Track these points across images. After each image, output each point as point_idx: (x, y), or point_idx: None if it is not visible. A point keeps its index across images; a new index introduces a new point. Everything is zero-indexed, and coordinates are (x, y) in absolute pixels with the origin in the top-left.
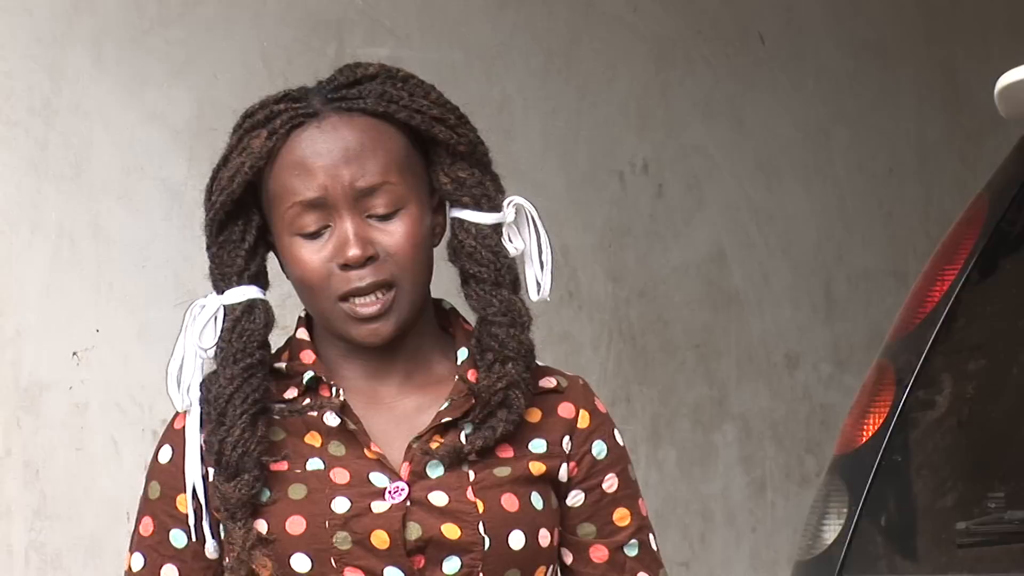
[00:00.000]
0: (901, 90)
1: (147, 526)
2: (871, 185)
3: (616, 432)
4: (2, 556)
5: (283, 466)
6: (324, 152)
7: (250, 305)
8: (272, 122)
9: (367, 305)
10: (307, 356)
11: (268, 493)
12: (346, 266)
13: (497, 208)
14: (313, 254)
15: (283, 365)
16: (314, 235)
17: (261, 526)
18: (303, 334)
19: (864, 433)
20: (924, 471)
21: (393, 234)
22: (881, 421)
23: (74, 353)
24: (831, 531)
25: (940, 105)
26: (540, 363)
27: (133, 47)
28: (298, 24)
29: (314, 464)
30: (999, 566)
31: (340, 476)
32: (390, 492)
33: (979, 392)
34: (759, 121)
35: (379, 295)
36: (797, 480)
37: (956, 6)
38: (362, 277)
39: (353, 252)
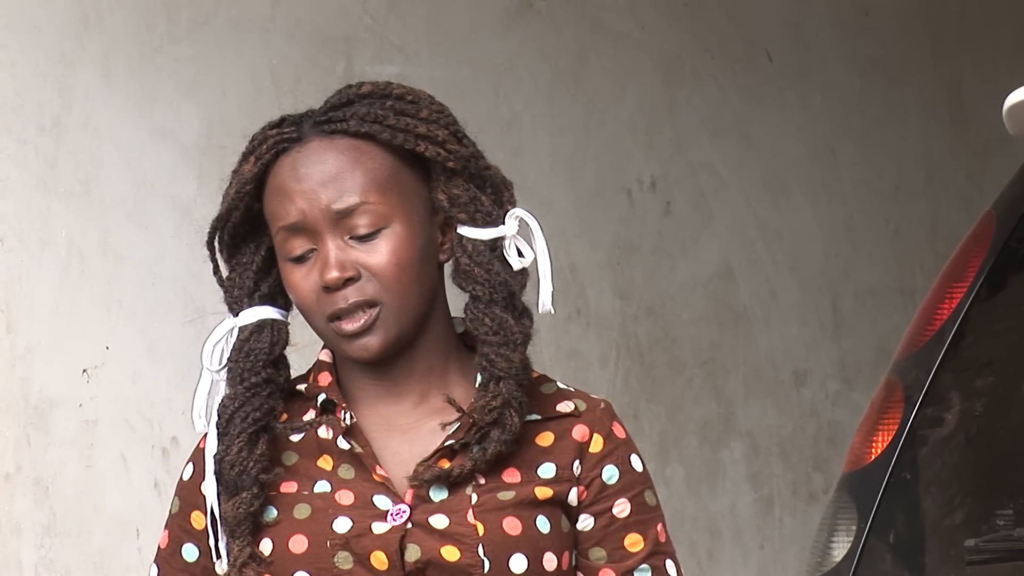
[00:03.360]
0: (908, 107)
1: (164, 539)
2: (878, 202)
3: (634, 457)
4: (12, 573)
5: (292, 487)
6: (302, 176)
7: (259, 325)
8: (259, 148)
9: (351, 322)
10: (324, 378)
11: (275, 513)
12: (327, 288)
13: (494, 223)
14: (302, 279)
15: (303, 387)
16: (301, 259)
17: (266, 545)
18: (325, 355)
19: (873, 450)
20: (933, 488)
21: (375, 253)
22: (890, 438)
23: (84, 370)
24: (840, 548)
25: (947, 122)
26: (563, 385)
27: (142, 65)
28: (307, 42)
29: (321, 486)
30: None
31: (345, 498)
32: (392, 514)
33: (988, 409)
34: (766, 138)
35: (363, 311)
36: (805, 497)
37: (963, 24)
38: (345, 298)
39: (330, 275)
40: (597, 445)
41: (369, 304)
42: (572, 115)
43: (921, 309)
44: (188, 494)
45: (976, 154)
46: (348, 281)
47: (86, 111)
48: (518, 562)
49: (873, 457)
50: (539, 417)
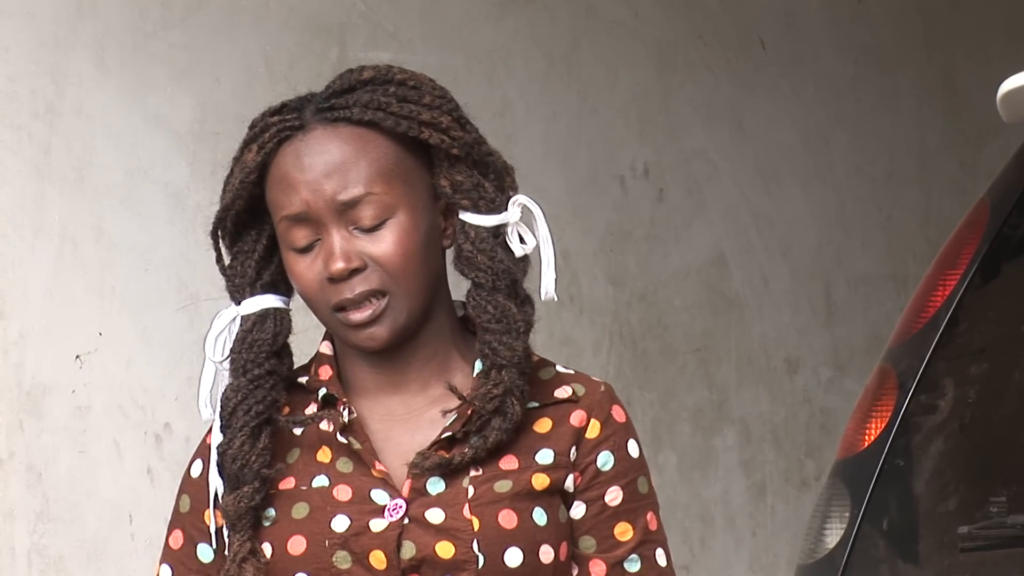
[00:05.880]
0: (901, 95)
1: (177, 539)
2: (871, 190)
3: (631, 443)
4: (5, 559)
5: (290, 483)
6: (307, 166)
7: (262, 315)
8: (262, 136)
9: (358, 312)
10: (325, 372)
11: (273, 513)
12: (332, 279)
13: (497, 210)
14: (306, 268)
15: (304, 379)
16: (306, 249)
17: (265, 548)
18: (326, 347)
19: (866, 437)
20: (926, 475)
21: (380, 243)
22: (883, 425)
23: (77, 356)
24: (833, 535)
25: (939, 110)
26: (563, 369)
27: (136, 51)
28: (300, 28)
29: (319, 481)
30: (1001, 570)
31: (343, 493)
32: (389, 510)
33: (981, 396)
34: (759, 126)
35: (370, 301)
36: (797, 484)
37: (956, 11)
38: (352, 289)
39: (336, 266)
40: (594, 431)
41: (376, 294)
42: (565, 102)
43: (914, 296)
44: (199, 491)
45: (969, 142)
46: (354, 272)
47: (79, 97)
48: (513, 556)
49: (866, 444)
50: (537, 404)
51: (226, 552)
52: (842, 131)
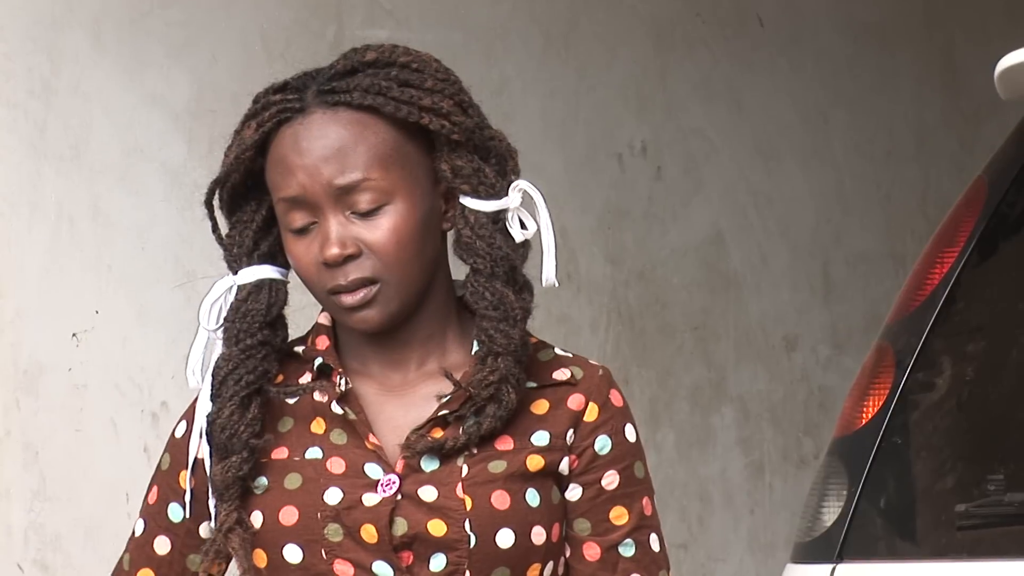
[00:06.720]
0: (900, 73)
1: (154, 495)
2: (869, 168)
3: (628, 427)
4: (1, 537)
5: (283, 453)
6: (304, 150)
7: (258, 285)
8: (262, 114)
9: (350, 295)
10: (322, 342)
11: (265, 482)
12: (327, 264)
13: (497, 195)
14: (304, 251)
15: (301, 349)
16: (302, 231)
17: (256, 517)
18: (324, 319)
19: (864, 415)
20: (924, 453)
21: (376, 230)
22: (881, 403)
23: (73, 334)
24: (830, 513)
25: (939, 88)
26: (561, 352)
27: (133, 29)
28: (298, 6)
29: (313, 453)
30: (998, 549)
31: (336, 466)
32: (382, 485)
33: (979, 374)
34: (758, 104)
35: (363, 287)
36: (795, 462)
37: None
38: (346, 275)
39: (331, 252)
40: (592, 414)
41: (369, 281)
42: (563, 80)
43: (912, 274)
44: (179, 452)
45: (967, 120)
46: (348, 258)
47: (76, 75)
48: (505, 537)
49: (864, 422)
50: (535, 384)
51: (200, 515)
52: (841, 109)
